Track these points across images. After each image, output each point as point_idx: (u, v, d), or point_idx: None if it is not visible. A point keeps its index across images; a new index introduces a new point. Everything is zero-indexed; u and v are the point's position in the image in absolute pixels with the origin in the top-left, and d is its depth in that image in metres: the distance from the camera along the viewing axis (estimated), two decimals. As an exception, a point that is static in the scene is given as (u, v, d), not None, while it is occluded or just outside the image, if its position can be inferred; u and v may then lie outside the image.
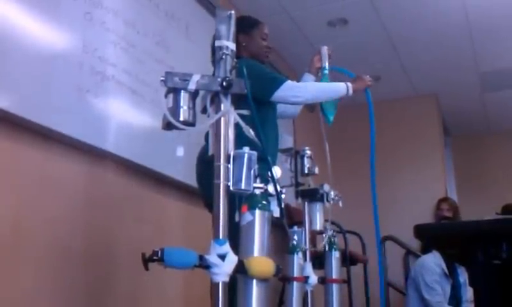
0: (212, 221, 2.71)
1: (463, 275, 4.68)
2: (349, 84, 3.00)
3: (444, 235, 2.66)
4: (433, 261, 4.70)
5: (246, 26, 3.11)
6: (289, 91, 2.85)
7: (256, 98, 2.04)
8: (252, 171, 1.87)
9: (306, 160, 3.40)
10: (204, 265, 1.74)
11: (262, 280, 1.81)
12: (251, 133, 1.95)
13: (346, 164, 6.62)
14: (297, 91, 2.89)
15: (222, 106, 1.88)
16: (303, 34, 5.57)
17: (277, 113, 3.09)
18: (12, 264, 2.60)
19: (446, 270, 4.67)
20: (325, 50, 3.31)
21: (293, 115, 3.45)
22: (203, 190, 2.88)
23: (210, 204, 2.77)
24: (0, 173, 2.60)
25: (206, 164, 2.92)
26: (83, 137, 3.00)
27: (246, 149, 1.89)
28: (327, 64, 3.29)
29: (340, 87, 3.00)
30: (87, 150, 3.08)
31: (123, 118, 3.36)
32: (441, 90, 6.99)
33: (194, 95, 1.90)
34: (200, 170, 2.91)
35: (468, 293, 4.66)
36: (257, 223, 1.84)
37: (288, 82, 2.86)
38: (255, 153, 1.90)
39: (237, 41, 3.08)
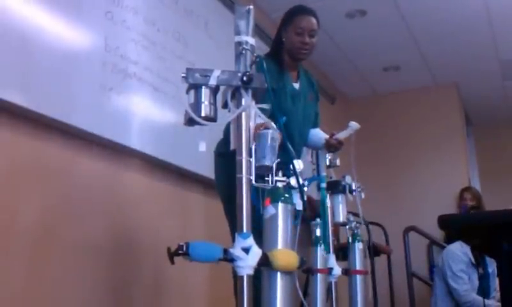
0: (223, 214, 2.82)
1: (492, 266, 4.63)
2: None
3: (468, 225, 2.64)
4: (460, 250, 4.65)
5: (284, 21, 3.09)
6: None
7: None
8: (275, 148, 1.88)
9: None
10: (228, 258, 1.75)
11: (287, 272, 1.82)
12: (273, 126, 1.95)
13: (367, 155, 6.60)
14: None
15: (243, 101, 1.89)
16: (322, 26, 5.53)
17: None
18: (40, 261, 2.64)
19: (473, 260, 4.61)
20: None
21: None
22: (215, 181, 2.96)
23: (221, 197, 2.87)
24: (26, 172, 2.64)
25: (218, 157, 2.94)
26: (106, 135, 3.04)
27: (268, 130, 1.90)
28: None
29: None
30: (110, 147, 3.12)
31: (146, 114, 3.39)
32: (462, 79, 6.94)
33: (215, 91, 1.91)
34: (214, 163, 2.97)
35: (496, 283, 4.62)
36: (280, 216, 1.85)
37: None
38: (276, 131, 1.91)
39: (280, 37, 3.03)
